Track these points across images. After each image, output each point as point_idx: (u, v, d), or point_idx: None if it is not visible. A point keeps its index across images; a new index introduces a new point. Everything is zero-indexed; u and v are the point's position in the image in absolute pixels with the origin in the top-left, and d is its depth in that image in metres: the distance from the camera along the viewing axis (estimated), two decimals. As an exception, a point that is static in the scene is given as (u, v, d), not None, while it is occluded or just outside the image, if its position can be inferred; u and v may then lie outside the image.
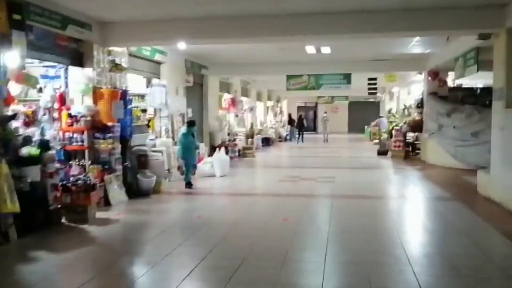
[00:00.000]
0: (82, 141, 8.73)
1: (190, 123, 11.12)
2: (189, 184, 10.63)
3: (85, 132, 8.71)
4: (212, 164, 12.64)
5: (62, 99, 8.84)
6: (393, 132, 18.26)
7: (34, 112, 8.19)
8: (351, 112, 39.01)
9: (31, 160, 6.87)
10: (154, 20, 9.33)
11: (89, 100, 9.17)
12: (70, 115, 8.75)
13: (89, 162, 8.74)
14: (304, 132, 28.57)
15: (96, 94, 9.16)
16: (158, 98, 12.49)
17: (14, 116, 7.08)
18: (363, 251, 5.77)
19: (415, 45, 13.45)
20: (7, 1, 6.50)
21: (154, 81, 12.91)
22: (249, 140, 19.82)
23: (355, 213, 7.96)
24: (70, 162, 8.63)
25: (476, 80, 16.25)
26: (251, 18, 8.98)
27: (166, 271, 5.12)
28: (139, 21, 9.40)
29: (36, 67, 8.63)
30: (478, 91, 16.08)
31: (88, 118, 8.81)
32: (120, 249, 6.10)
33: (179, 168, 12.32)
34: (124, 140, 9.62)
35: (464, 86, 17.01)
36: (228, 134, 17.86)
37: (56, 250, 5.96)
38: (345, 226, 7.04)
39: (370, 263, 5.31)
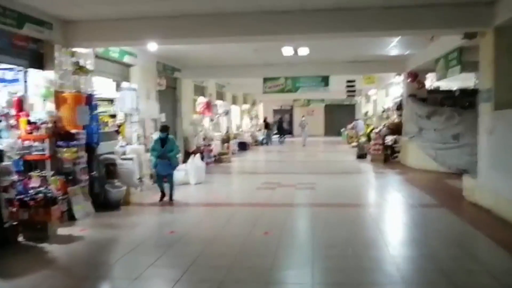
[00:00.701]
0: (43, 150, 7.97)
1: (161, 129, 10.22)
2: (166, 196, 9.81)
3: (46, 140, 7.97)
4: (186, 171, 12.00)
5: (20, 105, 8.09)
6: (372, 135, 17.92)
7: (-12, 119, 7.45)
8: (327, 115, 38.78)
9: (-18, 173, 6.15)
10: (121, 18, 8.68)
11: (51, 105, 8.45)
12: (29, 122, 7.99)
13: (51, 172, 7.99)
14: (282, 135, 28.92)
15: (59, 99, 8.44)
16: (128, 103, 11.79)
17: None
18: (352, 269, 5.25)
19: (395, 46, 13.11)
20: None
21: (124, 84, 12.21)
22: (225, 144, 19.20)
23: (339, 224, 7.45)
24: (30, 173, 7.86)
25: (453, 82, 16.05)
26: (224, 16, 8.41)
27: (133, 300, 4.50)
28: (105, 19, 8.74)
29: (-9, 70, 7.89)
30: (457, 93, 15.86)
31: (50, 125, 8.09)
32: (82, 272, 5.43)
33: (152, 176, 11.64)
34: (91, 148, 8.92)
35: (442, 88, 16.79)
36: (204, 139, 17.22)
37: (7, 275, 5.25)
38: (330, 240, 6.51)
39: (362, 284, 4.79)
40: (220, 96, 23.16)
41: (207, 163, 15.80)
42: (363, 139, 21.00)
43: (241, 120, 28.26)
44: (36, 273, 5.27)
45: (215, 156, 17.20)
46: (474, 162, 12.62)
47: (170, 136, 10.11)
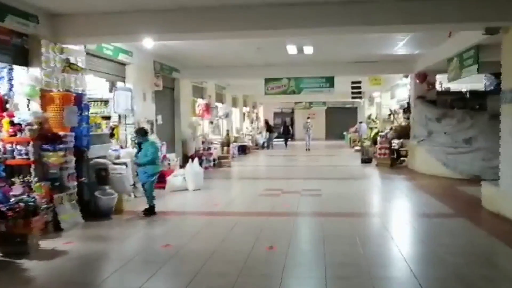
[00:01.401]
0: (27, 154, 7.30)
1: (136, 132, 9.25)
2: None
3: (31, 143, 7.29)
4: (184, 177, 11.31)
5: (3, 104, 7.42)
6: (378, 138, 17.24)
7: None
8: (329, 118, 38.06)
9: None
10: (114, 11, 8.01)
11: (36, 106, 7.77)
12: (12, 123, 7.32)
13: (36, 179, 7.30)
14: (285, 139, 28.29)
15: (45, 98, 7.76)
16: (123, 104, 11.12)
17: None
18: (373, 294, 4.56)
19: (404, 45, 12.45)
20: None
21: (119, 84, 11.54)
22: (225, 148, 18.49)
23: (351, 237, 6.75)
24: (13, 180, 7.17)
25: (463, 83, 15.40)
26: (226, 9, 7.73)
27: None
28: (96, 12, 8.06)
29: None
30: (467, 95, 15.21)
31: (35, 127, 7.40)
32: (62, 295, 4.75)
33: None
34: (80, 151, 8.24)
35: (451, 90, 16.15)
36: (203, 142, 16.53)
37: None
38: (343, 256, 5.82)
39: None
40: (220, 98, 22.49)
41: (206, 168, 15.19)
42: (367, 142, 20.35)
43: (242, 123, 27.55)
44: (8, 296, 4.58)
45: (214, 160, 16.51)
46: (488, 168, 12.04)
47: (149, 140, 8.93)
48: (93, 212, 8.22)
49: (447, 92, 15.64)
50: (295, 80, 16.18)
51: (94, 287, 4.93)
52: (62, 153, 7.62)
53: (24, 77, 7.66)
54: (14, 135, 7.27)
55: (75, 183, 7.99)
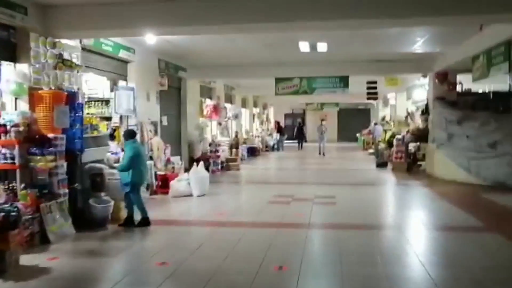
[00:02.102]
0: (13, 158, 6.62)
1: (124, 135, 8.25)
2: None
3: (17, 146, 6.60)
4: (188, 182, 10.59)
5: (-14, 103, 6.77)
6: (394, 141, 16.40)
7: None
8: (341, 120, 37.14)
9: None
10: (111, 2, 7.32)
11: (24, 105, 7.11)
12: (-3, 124, 6.67)
13: (22, 185, 6.62)
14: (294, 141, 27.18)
15: (34, 97, 7.09)
16: (124, 104, 10.46)
17: None
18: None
19: (424, 43, 11.62)
20: None
21: (121, 83, 10.88)
22: (234, 150, 17.74)
23: (371, 255, 5.97)
24: (-4, 186, 6.52)
25: (485, 84, 14.54)
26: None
27: None
28: (92, 3, 7.39)
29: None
30: (491, 95, 14.32)
31: (22, 128, 6.71)
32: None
33: (148, 187, 10.26)
34: (72, 155, 7.55)
35: (473, 90, 15.27)
36: (210, 144, 15.81)
37: None
38: (365, 280, 5.04)
39: None
40: (229, 99, 21.79)
41: (213, 171, 14.50)
42: (382, 145, 19.52)
43: (251, 124, 26.81)
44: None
45: (222, 163, 15.76)
46: (516, 174, 11.23)
47: (133, 143, 7.77)
48: (87, 221, 7.53)
49: (468, 93, 14.75)
50: (307, 80, 15.37)
51: (74, 316, 4.21)
52: (51, 157, 6.92)
53: (11, 74, 6.99)
54: (-1, 137, 6.62)
55: (67, 190, 7.29)
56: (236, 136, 19.40)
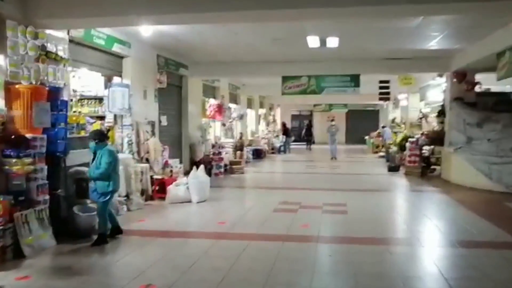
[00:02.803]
0: (-15, 161, 5.88)
1: (91, 136, 6.93)
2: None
3: (-10, 148, 5.86)
4: (187, 187, 9.80)
5: (-45, 99, 6.00)
6: (407, 144, 15.52)
7: None
8: (349, 122, 36.16)
9: None
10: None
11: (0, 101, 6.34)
12: (-32, 123, 5.91)
13: (-6, 192, 5.86)
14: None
15: (10, 93, 6.31)
16: (119, 102, 9.66)
17: None
18: None
19: (442, 38, 10.76)
20: None
21: (115, 80, 10.10)
22: (238, 153, 16.91)
23: (392, 277, 5.15)
24: (-34, 193, 5.76)
25: (509, 84, 13.61)
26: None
27: None
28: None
29: None
30: (512, 96, 13.45)
31: (-5, 127, 5.96)
32: None
33: (142, 192, 9.49)
34: (55, 158, 6.78)
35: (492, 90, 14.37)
36: (213, 146, 15.01)
37: None
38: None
39: None
40: (234, 99, 20.98)
41: (216, 174, 13.73)
42: (394, 148, 18.63)
43: (257, 125, 25.96)
44: None
45: (225, 165, 14.94)
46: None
47: (107, 147, 6.75)
48: (70, 232, 6.75)
49: (488, 93, 13.85)
50: (316, 79, 14.48)
51: None
52: (29, 159, 6.17)
53: (-15, 66, 6.24)
54: (-31, 137, 5.86)
55: (47, 197, 6.52)
56: (241, 137, 18.60)
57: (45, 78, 6.91)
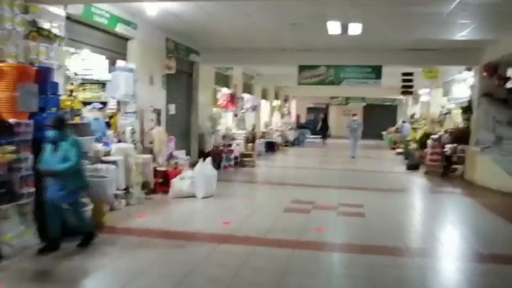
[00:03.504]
0: (-38, 148, 5.23)
1: (51, 124, 5.70)
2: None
3: (-33, 134, 5.21)
4: (192, 180, 9.10)
5: None
6: (429, 142, 14.64)
7: None
8: (366, 116, 35.08)
9: None
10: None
11: (-18, 82, 5.68)
12: None
13: (-29, 183, 5.21)
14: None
15: (-7, 72, 5.66)
16: (122, 87, 8.96)
17: None
18: None
19: (474, 28, 9.86)
20: None
21: (119, 63, 9.40)
22: (249, 145, 16.16)
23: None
24: None
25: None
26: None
27: None
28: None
29: None
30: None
31: (-26, 111, 5.31)
32: None
33: (144, 185, 8.81)
34: (42, 147, 6.11)
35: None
36: (223, 137, 14.29)
37: None
38: None
39: None
40: (248, 89, 20.21)
41: (225, 167, 13.04)
42: (413, 145, 17.74)
43: (271, 117, 25.15)
44: None
45: (236, 158, 14.21)
46: None
47: (71, 138, 5.72)
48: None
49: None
50: (335, 69, 13.62)
51: None
52: (11, 147, 5.49)
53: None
54: None
55: (32, 190, 5.85)
56: (253, 129, 17.81)
57: (36, 57, 6.26)
